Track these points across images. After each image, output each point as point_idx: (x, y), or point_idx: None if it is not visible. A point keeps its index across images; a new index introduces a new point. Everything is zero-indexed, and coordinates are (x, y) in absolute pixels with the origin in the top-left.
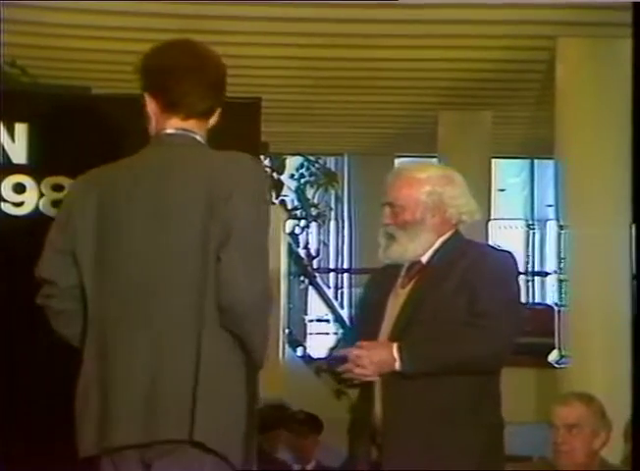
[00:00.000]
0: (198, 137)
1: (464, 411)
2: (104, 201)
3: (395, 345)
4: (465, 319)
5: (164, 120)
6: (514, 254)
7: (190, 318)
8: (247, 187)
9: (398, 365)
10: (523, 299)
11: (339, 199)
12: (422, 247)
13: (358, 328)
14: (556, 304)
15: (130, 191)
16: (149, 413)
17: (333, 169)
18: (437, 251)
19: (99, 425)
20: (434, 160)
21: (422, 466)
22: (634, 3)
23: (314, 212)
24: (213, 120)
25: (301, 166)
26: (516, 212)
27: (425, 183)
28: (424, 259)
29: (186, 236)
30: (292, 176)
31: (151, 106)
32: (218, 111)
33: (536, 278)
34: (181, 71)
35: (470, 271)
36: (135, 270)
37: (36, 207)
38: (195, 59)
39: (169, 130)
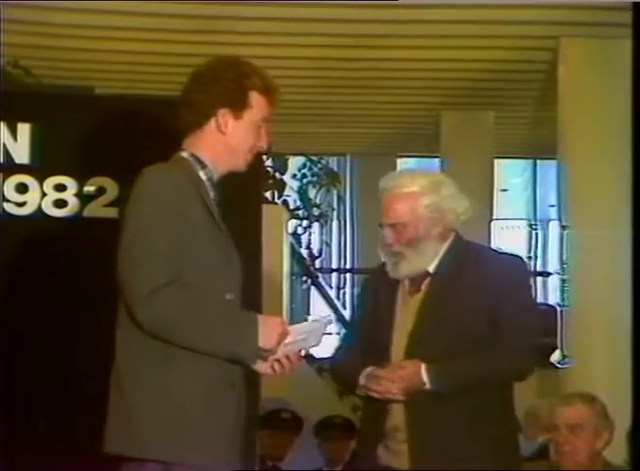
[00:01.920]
0: (183, 154)
1: (486, 421)
2: None
3: (423, 366)
4: (486, 331)
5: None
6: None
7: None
8: (132, 196)
9: (427, 386)
10: None
11: (341, 199)
12: (430, 257)
13: (366, 336)
14: (558, 304)
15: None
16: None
17: (335, 169)
18: (443, 258)
19: None
20: (436, 161)
21: None
22: (634, 3)
23: (316, 212)
24: (220, 125)
25: (304, 166)
26: (519, 212)
27: (420, 195)
28: (431, 268)
29: None
30: (294, 176)
31: None
32: (221, 113)
33: (538, 278)
34: (182, 93)
35: (486, 280)
36: None
37: (39, 207)
38: (191, 78)
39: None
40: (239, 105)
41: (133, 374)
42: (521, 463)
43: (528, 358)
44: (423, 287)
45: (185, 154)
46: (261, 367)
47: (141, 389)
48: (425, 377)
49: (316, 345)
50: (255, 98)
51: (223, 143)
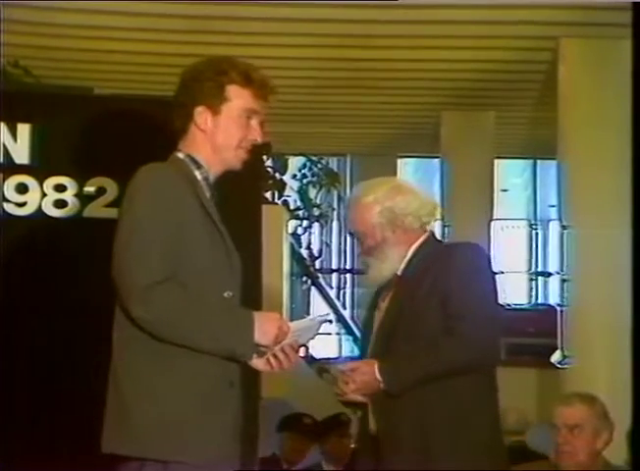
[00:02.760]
0: (179, 154)
1: (457, 413)
2: None
3: (376, 365)
4: (440, 324)
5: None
6: (481, 246)
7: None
8: (123, 201)
9: (382, 385)
10: (525, 300)
11: (341, 200)
12: (396, 262)
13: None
14: (558, 305)
15: None
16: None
17: (335, 169)
18: (410, 261)
19: None
20: (436, 161)
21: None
22: (634, 3)
23: (316, 212)
24: (198, 124)
25: (304, 166)
26: (519, 212)
27: (373, 204)
28: (399, 271)
29: None
30: (294, 176)
31: None
32: (197, 111)
33: (539, 278)
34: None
35: (439, 275)
36: None
37: (39, 207)
38: (179, 81)
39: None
40: (215, 100)
41: (131, 373)
42: (506, 460)
43: (482, 347)
44: (392, 290)
45: (180, 155)
46: (258, 363)
47: (139, 388)
48: (379, 376)
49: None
50: (234, 92)
51: (209, 141)
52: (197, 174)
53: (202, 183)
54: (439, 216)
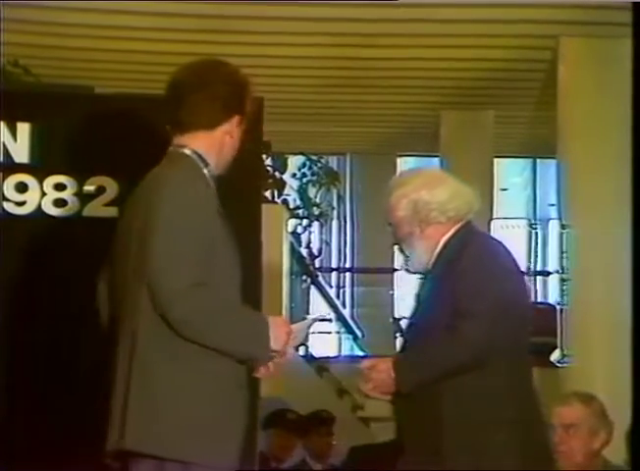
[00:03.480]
0: (186, 150)
1: (473, 411)
2: (118, 226)
3: (391, 363)
4: (447, 322)
5: (173, 137)
6: (499, 243)
7: (130, 328)
8: (163, 195)
9: (395, 388)
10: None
11: (341, 199)
12: (425, 256)
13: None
14: (558, 303)
15: (126, 214)
16: (110, 421)
17: (335, 168)
18: (440, 254)
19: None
20: (435, 160)
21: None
22: (634, 3)
23: (316, 211)
24: (229, 130)
25: (303, 165)
26: (519, 211)
27: (401, 197)
28: (430, 264)
29: (131, 252)
30: (294, 175)
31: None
32: (231, 121)
33: (538, 277)
34: (179, 87)
35: (454, 268)
36: (118, 287)
37: (39, 206)
38: (196, 75)
39: (169, 148)
40: (243, 112)
41: (159, 374)
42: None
43: (482, 348)
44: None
45: (187, 151)
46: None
47: (165, 389)
48: (393, 374)
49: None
50: (248, 106)
51: (228, 147)
52: (205, 171)
53: (210, 181)
54: (474, 209)
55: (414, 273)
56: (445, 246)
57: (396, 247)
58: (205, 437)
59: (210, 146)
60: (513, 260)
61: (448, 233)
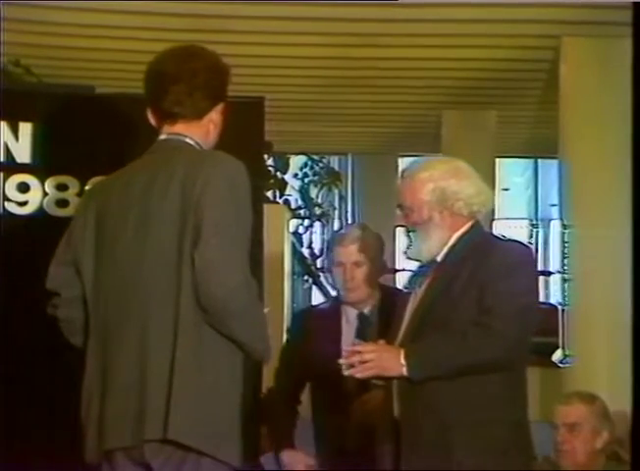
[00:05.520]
0: (188, 140)
1: (483, 408)
2: (101, 211)
3: (402, 352)
4: (474, 318)
5: (159, 126)
6: (526, 245)
7: (168, 317)
8: (217, 184)
9: (405, 371)
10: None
11: (342, 199)
12: (436, 246)
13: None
14: (559, 304)
15: (121, 200)
16: (137, 414)
17: (336, 168)
18: (452, 248)
19: (98, 429)
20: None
21: (441, 466)
22: (634, 3)
23: (318, 211)
24: (213, 118)
25: (305, 165)
26: (520, 211)
27: (427, 181)
28: (439, 257)
29: (163, 240)
30: (295, 175)
31: (150, 114)
32: (216, 109)
33: (540, 277)
34: (166, 77)
35: (479, 266)
36: (125, 275)
37: (40, 206)
38: (182, 64)
39: (162, 137)
40: (225, 101)
41: (203, 367)
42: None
43: (510, 344)
44: (429, 276)
45: (190, 141)
46: None
47: (208, 384)
48: (403, 361)
49: None
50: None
51: (213, 134)
52: None
53: None
54: (490, 207)
55: (415, 260)
56: (458, 241)
57: (402, 230)
58: (230, 433)
59: (201, 135)
60: (535, 261)
61: (463, 227)
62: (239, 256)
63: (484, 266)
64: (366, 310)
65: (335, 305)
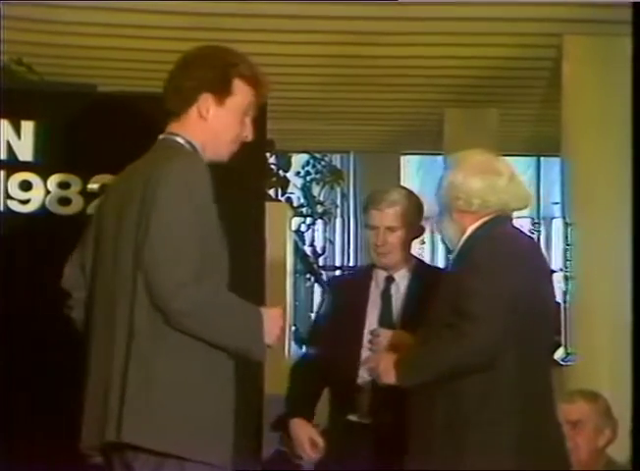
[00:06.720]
0: (179, 139)
1: (491, 412)
2: (99, 211)
3: (397, 360)
4: (448, 320)
5: (166, 126)
6: (516, 238)
7: (126, 320)
8: (166, 184)
9: (394, 380)
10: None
11: (344, 197)
12: (451, 241)
13: None
14: (562, 302)
15: (112, 199)
16: (101, 416)
17: (339, 166)
18: (465, 243)
19: (86, 424)
20: (439, 158)
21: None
22: (634, 3)
23: (320, 209)
24: (202, 112)
25: (307, 163)
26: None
27: (446, 178)
28: (455, 253)
29: (127, 241)
30: (297, 173)
31: None
32: (200, 102)
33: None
34: (168, 77)
35: (465, 264)
36: (106, 277)
37: (43, 204)
38: (177, 63)
39: (160, 136)
40: (221, 91)
41: (157, 367)
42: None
43: (481, 346)
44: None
45: (180, 139)
46: None
47: (162, 382)
48: (394, 370)
49: None
50: (239, 86)
51: (206, 130)
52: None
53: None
54: (512, 207)
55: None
56: (469, 237)
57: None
58: (201, 432)
59: (192, 133)
60: (534, 256)
61: (475, 223)
62: (186, 255)
63: (466, 263)
64: (396, 275)
65: (367, 268)
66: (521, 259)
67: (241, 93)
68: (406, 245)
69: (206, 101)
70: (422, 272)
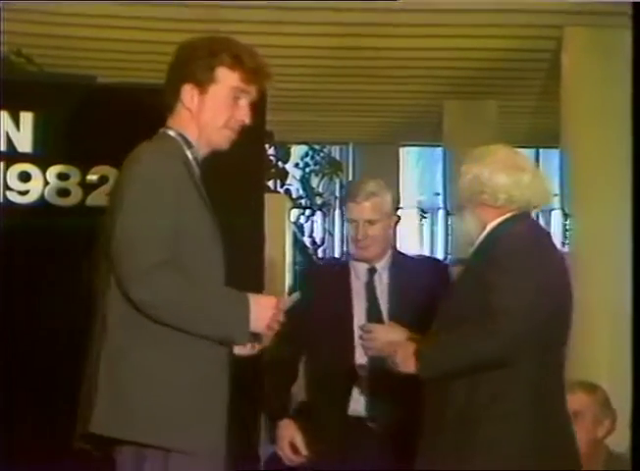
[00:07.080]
0: (171, 132)
1: (485, 406)
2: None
3: (416, 350)
4: (475, 315)
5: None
6: (535, 233)
7: (101, 311)
8: (134, 168)
9: (414, 370)
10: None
11: (343, 188)
12: (470, 236)
13: None
14: None
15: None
16: (82, 406)
17: (338, 158)
18: (485, 239)
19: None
20: (438, 150)
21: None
22: (634, 3)
23: (319, 201)
24: (187, 103)
25: (306, 155)
26: None
27: (467, 170)
28: (474, 248)
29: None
30: (296, 165)
31: None
32: (184, 94)
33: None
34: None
35: (488, 260)
36: (98, 267)
37: (42, 195)
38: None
39: (159, 130)
40: (202, 80)
41: (128, 357)
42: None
43: (512, 345)
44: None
45: (171, 132)
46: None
47: (136, 372)
48: (416, 361)
49: None
50: (222, 74)
51: (194, 120)
52: (189, 153)
53: (193, 163)
54: (535, 203)
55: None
56: (490, 233)
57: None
58: (183, 422)
59: (183, 126)
60: (556, 253)
61: (497, 218)
62: (148, 245)
63: (489, 261)
64: (378, 265)
65: (342, 263)
66: (545, 256)
67: (226, 80)
68: (387, 236)
69: (188, 92)
70: (400, 261)
